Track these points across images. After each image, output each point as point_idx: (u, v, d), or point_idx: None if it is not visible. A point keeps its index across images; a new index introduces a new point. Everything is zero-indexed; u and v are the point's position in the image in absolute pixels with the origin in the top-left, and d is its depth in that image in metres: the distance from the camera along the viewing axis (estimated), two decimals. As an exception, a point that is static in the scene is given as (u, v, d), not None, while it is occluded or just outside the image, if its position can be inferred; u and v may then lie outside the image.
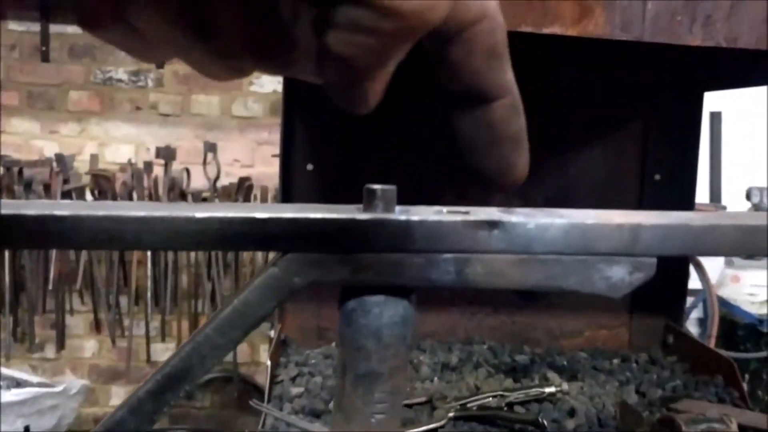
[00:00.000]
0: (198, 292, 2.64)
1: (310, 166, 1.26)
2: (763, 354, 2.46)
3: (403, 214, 0.25)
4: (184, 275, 2.64)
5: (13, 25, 2.74)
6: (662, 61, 1.24)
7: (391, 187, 0.26)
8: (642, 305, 1.35)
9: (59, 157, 2.48)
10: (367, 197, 0.26)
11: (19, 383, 2.31)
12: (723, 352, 1.20)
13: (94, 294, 2.62)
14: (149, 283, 2.55)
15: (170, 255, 2.56)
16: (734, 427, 0.74)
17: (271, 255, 0.28)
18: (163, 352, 2.78)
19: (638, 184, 1.33)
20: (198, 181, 2.53)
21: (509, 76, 0.24)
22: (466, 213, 0.26)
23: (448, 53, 0.23)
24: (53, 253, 2.46)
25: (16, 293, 2.56)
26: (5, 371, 2.36)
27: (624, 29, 0.76)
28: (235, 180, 2.58)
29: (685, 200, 1.31)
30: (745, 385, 1.09)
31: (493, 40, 0.23)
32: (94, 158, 2.65)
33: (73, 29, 2.74)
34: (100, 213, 0.24)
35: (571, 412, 0.99)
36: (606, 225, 0.26)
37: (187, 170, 2.53)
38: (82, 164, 2.62)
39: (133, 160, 2.65)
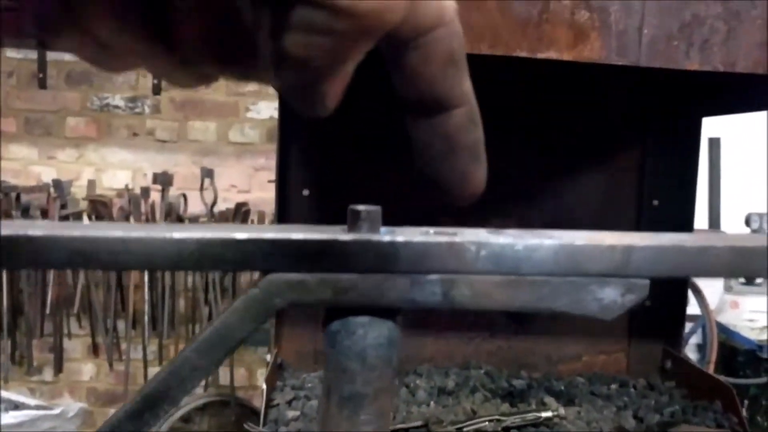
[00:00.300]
0: (195, 316, 2.62)
1: (306, 192, 1.26)
2: (762, 380, 2.43)
3: (388, 234, 0.25)
4: (181, 299, 2.63)
5: (11, 53, 2.76)
6: (660, 86, 1.25)
7: (376, 208, 0.25)
8: (640, 330, 1.34)
9: (57, 183, 2.48)
10: (352, 218, 0.25)
11: (17, 406, 2.30)
12: (722, 378, 1.19)
13: (91, 318, 2.61)
14: (146, 307, 2.55)
15: (167, 279, 2.55)
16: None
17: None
18: (158, 378, 2.75)
19: (636, 210, 1.33)
20: (195, 207, 2.53)
21: (467, 85, 0.24)
22: (453, 234, 0.25)
23: (405, 59, 0.23)
24: (51, 277, 2.45)
25: (14, 317, 2.55)
26: (4, 394, 2.34)
27: (620, 54, 0.76)
28: (232, 205, 2.58)
29: (683, 226, 1.31)
30: (744, 411, 1.07)
31: (450, 47, 0.23)
32: (91, 184, 2.65)
33: (70, 56, 2.75)
34: (75, 233, 0.24)
35: (569, 438, 0.98)
36: (597, 246, 0.25)
37: (184, 196, 2.53)
38: (79, 190, 2.63)
39: (130, 186, 2.65)
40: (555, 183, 1.32)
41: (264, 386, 1.07)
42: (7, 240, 0.23)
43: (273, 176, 1.46)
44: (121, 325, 2.63)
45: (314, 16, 0.19)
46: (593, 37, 0.77)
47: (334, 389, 0.26)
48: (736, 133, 2.75)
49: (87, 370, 2.83)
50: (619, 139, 1.34)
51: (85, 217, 2.54)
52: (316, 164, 1.27)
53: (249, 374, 2.85)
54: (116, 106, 2.78)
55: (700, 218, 2.74)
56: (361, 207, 0.25)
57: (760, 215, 2.41)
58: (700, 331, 2.57)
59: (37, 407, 2.33)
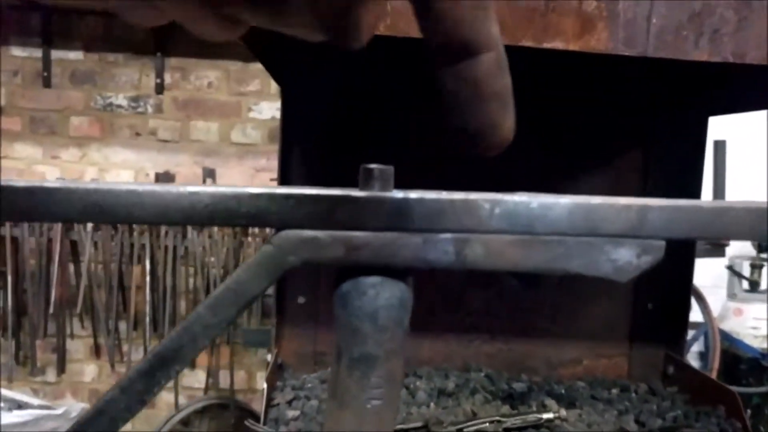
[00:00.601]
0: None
1: (308, 190, 1.26)
2: (765, 389, 2.42)
3: (400, 193, 0.25)
4: (182, 301, 2.63)
5: (16, 51, 2.77)
6: (666, 83, 1.24)
7: (389, 167, 0.25)
8: (642, 335, 1.33)
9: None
10: (364, 177, 0.25)
11: (20, 405, 2.30)
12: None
13: (93, 319, 2.62)
14: (148, 308, 2.55)
15: (169, 281, 2.55)
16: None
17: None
18: (158, 379, 2.75)
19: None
20: (197, 207, 2.53)
21: (495, 30, 0.23)
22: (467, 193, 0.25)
23: (434, 2, 0.23)
24: (54, 277, 2.45)
25: (18, 317, 2.56)
26: (7, 393, 2.35)
27: (627, 44, 0.76)
28: (234, 206, 2.58)
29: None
30: (747, 420, 1.06)
31: None
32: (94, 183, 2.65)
33: (75, 55, 2.77)
34: (91, 186, 0.23)
35: (571, 438, 0.97)
36: (612, 205, 0.25)
37: (187, 196, 2.53)
38: (81, 189, 2.62)
39: (132, 185, 2.65)
40: (557, 183, 1.31)
41: (265, 386, 1.07)
42: (25, 191, 0.23)
43: (275, 177, 1.46)
44: (122, 326, 2.64)
45: None
46: (600, 27, 0.76)
47: (344, 351, 0.25)
48: (742, 136, 2.74)
49: (89, 371, 2.83)
50: (623, 139, 1.34)
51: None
52: (318, 165, 1.27)
53: (249, 377, 2.84)
54: (119, 106, 2.79)
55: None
56: (373, 165, 0.25)
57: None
58: (702, 338, 2.56)
59: (40, 407, 2.33)
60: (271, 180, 2.54)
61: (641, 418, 1.08)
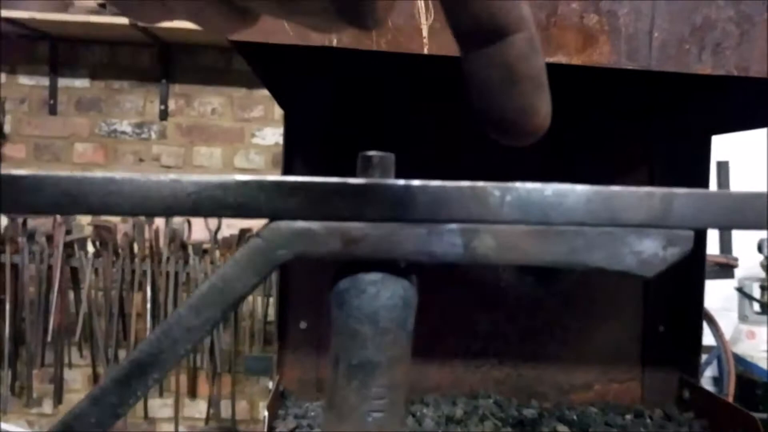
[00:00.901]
0: (196, 346, 2.58)
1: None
2: (782, 415, 2.36)
3: (402, 180, 0.23)
4: (182, 329, 2.60)
5: (23, 79, 2.79)
6: (668, 101, 1.23)
7: (389, 154, 0.23)
8: (654, 359, 1.29)
9: (61, 208, 2.47)
10: (362, 165, 0.23)
11: (16, 437, 2.25)
12: (741, 411, 1.14)
13: (92, 347, 2.57)
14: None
15: (170, 308, 2.52)
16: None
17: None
18: (161, 407, 2.70)
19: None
20: (199, 233, 2.52)
21: (526, 9, 0.22)
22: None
23: None
24: (53, 304, 2.42)
25: (15, 346, 2.52)
26: (2, 426, 2.30)
27: (630, 58, 0.75)
28: (236, 231, 2.56)
29: (693, 250, 1.28)
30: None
31: None
32: (96, 209, 2.64)
33: (81, 83, 2.79)
34: (63, 174, 0.22)
35: (585, 465, 0.93)
36: (634, 192, 0.23)
37: (189, 222, 2.52)
38: (84, 215, 2.62)
39: (135, 212, 2.64)
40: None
41: (266, 413, 1.04)
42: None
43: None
44: (122, 354, 2.59)
45: None
46: (602, 41, 0.75)
47: (342, 357, 0.23)
48: (745, 156, 2.73)
49: (87, 400, 2.79)
50: (626, 160, 1.32)
51: (89, 243, 2.52)
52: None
53: (251, 407, 2.79)
54: (123, 132, 2.79)
55: (712, 243, 2.70)
56: (372, 153, 0.23)
57: (774, 241, 2.37)
58: (715, 362, 2.50)
59: (36, 439, 2.28)
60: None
61: (657, 446, 1.04)
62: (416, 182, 0.22)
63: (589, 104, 1.23)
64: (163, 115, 2.77)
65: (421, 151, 1.17)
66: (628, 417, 1.19)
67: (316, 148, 1.24)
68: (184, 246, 2.50)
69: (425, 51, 0.77)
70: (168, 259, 2.48)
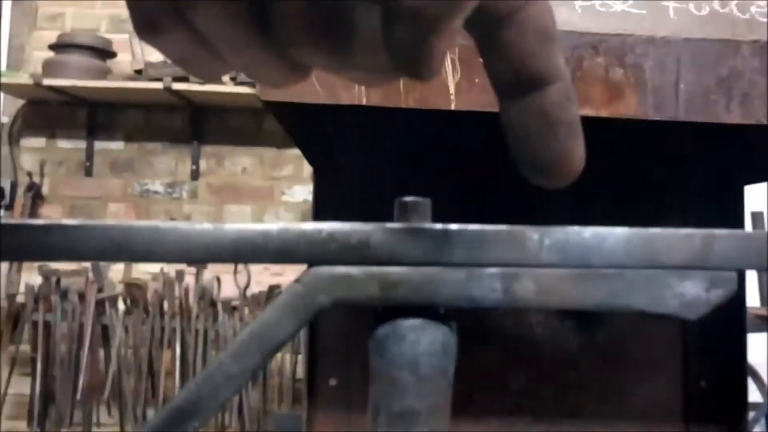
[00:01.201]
0: (225, 404, 2.56)
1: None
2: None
3: (439, 225, 0.23)
4: (211, 387, 2.58)
5: (62, 143, 2.89)
6: (701, 151, 1.22)
7: (425, 199, 0.23)
8: (698, 416, 1.24)
9: (95, 267, 2.51)
10: (399, 210, 0.23)
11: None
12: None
13: (121, 405, 2.56)
14: (183, 391, 2.49)
15: (199, 365, 2.51)
16: None
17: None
18: (186, 470, 2.66)
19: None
20: (228, 290, 2.53)
21: (561, 61, 0.23)
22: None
23: (500, 37, 0.22)
24: (83, 362, 2.44)
25: (45, 405, 2.52)
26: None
27: (657, 109, 0.75)
28: (264, 288, 2.57)
29: (733, 304, 1.25)
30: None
31: (545, 21, 0.23)
32: (128, 267, 2.68)
33: (116, 145, 2.88)
34: (110, 224, 0.22)
35: None
36: (674, 234, 0.22)
37: (218, 279, 2.54)
38: (116, 273, 2.65)
39: (165, 269, 2.67)
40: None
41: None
42: (41, 229, 0.22)
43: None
44: (151, 412, 2.58)
45: None
46: (629, 94, 0.76)
47: (382, 405, 0.23)
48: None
49: (114, 463, 2.76)
50: (659, 213, 1.31)
51: (120, 301, 2.55)
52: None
53: (279, 467, 2.74)
54: (156, 192, 2.86)
55: (752, 295, 2.62)
56: (408, 198, 0.23)
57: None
58: (763, 420, 2.39)
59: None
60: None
61: None
62: (454, 226, 0.23)
63: (622, 152, 1.23)
64: (195, 174, 2.83)
65: (448, 199, 1.18)
66: (673, 478, 1.14)
67: (346, 204, 1.26)
68: (213, 303, 2.52)
69: (452, 107, 0.78)
70: (197, 316, 2.49)
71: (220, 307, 2.50)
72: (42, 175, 2.85)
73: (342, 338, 1.22)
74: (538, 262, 0.23)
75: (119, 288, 2.59)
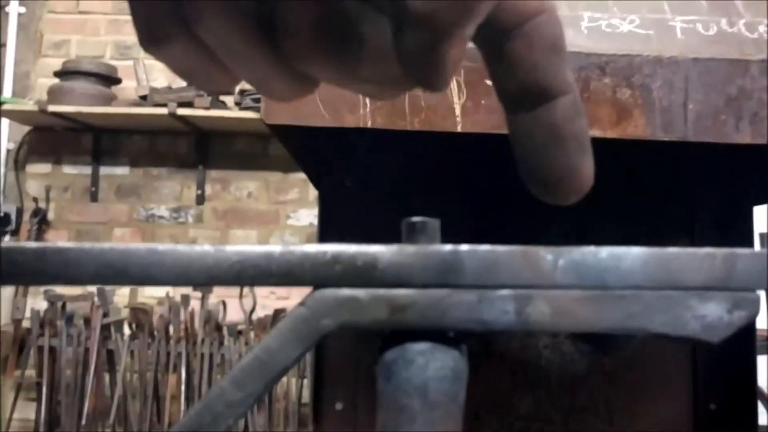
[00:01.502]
0: (231, 428, 2.53)
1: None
2: None
3: (449, 245, 0.22)
4: (216, 413, 2.55)
5: (68, 169, 2.91)
6: (709, 171, 1.21)
7: (434, 220, 0.23)
8: (710, 438, 1.22)
9: (100, 291, 2.51)
10: (407, 231, 0.22)
11: None
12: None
13: (126, 430, 2.54)
14: (183, 419, 2.47)
15: (204, 390, 2.49)
16: None
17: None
18: (190, 498, 2.63)
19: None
20: (234, 314, 2.52)
21: (569, 73, 0.23)
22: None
23: (508, 49, 0.22)
24: (89, 387, 2.42)
25: (50, 429, 2.50)
26: None
27: (666, 130, 0.75)
28: (270, 312, 2.56)
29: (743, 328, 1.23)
30: None
31: (553, 33, 0.22)
32: (133, 292, 2.68)
33: (121, 170, 2.89)
34: (106, 246, 0.22)
35: None
36: (693, 253, 0.22)
37: (224, 303, 2.52)
38: (121, 298, 2.65)
39: (170, 294, 2.66)
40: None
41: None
42: (36, 252, 0.21)
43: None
44: (155, 438, 2.55)
45: None
46: (637, 114, 0.76)
47: (390, 434, 0.22)
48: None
49: (119, 490, 2.72)
50: (667, 234, 1.29)
51: (125, 326, 2.54)
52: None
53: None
54: (161, 216, 2.86)
55: (762, 319, 2.59)
56: (416, 219, 0.22)
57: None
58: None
59: None
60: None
61: None
62: (464, 247, 0.22)
63: (630, 172, 1.22)
64: (200, 199, 2.84)
65: (457, 220, 1.17)
66: (687, 505, 1.11)
67: (351, 226, 1.25)
68: (219, 327, 2.51)
69: (458, 129, 0.78)
70: (203, 340, 2.48)
71: (225, 331, 2.49)
72: (48, 200, 2.86)
73: (349, 362, 1.20)
74: (552, 284, 0.22)
75: (125, 313, 2.58)
